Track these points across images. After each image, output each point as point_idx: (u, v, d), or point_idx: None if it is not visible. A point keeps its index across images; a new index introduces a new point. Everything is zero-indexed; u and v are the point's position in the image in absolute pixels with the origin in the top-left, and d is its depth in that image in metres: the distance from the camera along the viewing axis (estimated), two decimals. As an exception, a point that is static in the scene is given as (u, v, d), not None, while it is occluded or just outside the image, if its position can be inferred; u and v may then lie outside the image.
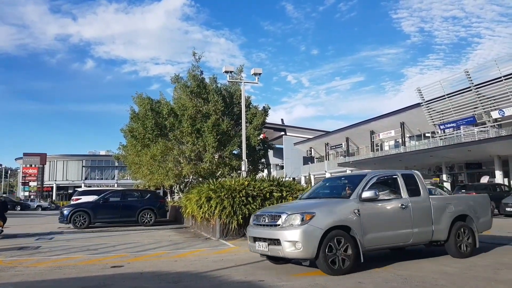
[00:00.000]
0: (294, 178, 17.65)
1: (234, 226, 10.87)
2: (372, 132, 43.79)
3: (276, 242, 6.13)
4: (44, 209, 42.71)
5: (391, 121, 39.46)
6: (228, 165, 21.59)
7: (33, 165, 66.08)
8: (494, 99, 28.76)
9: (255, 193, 11.22)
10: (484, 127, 29.81)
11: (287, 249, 5.95)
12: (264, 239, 6.41)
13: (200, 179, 21.27)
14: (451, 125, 32.08)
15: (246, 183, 11.56)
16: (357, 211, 6.32)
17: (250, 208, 10.74)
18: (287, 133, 58.49)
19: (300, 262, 6.43)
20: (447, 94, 31.57)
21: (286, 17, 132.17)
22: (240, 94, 20.46)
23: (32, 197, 59.12)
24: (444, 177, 31.98)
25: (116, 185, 59.86)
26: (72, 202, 20.39)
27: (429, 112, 33.69)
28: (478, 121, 30.35)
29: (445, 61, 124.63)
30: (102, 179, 74.72)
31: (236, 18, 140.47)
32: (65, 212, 16.21)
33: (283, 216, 6.23)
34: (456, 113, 31.55)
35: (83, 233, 14.20)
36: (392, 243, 6.80)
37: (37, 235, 13.23)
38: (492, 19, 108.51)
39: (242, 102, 19.42)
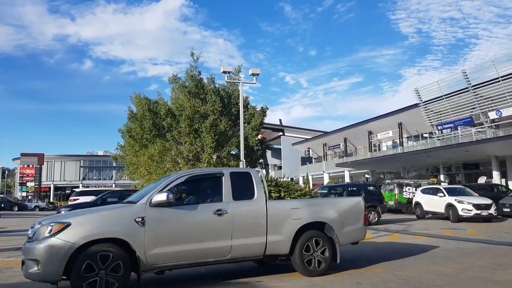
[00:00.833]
0: (292, 179, 17.69)
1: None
2: (370, 133, 43.89)
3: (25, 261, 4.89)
4: (41, 209, 42.50)
5: (389, 122, 39.56)
6: (226, 165, 21.58)
7: (30, 165, 65.81)
8: (492, 100, 28.86)
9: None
10: (482, 128, 29.91)
11: (30, 270, 4.73)
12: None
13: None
14: (449, 125, 32.18)
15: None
16: (140, 219, 5.06)
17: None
18: (285, 134, 58.62)
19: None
20: (444, 95, 31.69)
21: (285, 18, 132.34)
22: (238, 94, 20.47)
23: (29, 197, 58.93)
24: (442, 177, 32.04)
25: (114, 185, 59.86)
26: (70, 203, 20.36)
27: (426, 112, 33.78)
28: (475, 122, 30.45)
29: (443, 62, 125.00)
30: (100, 179, 74.64)
31: (234, 18, 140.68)
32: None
33: (35, 227, 5.03)
34: (454, 113, 31.65)
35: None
36: (197, 258, 5.37)
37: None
38: (490, 20, 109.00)
39: (240, 103, 19.44)
